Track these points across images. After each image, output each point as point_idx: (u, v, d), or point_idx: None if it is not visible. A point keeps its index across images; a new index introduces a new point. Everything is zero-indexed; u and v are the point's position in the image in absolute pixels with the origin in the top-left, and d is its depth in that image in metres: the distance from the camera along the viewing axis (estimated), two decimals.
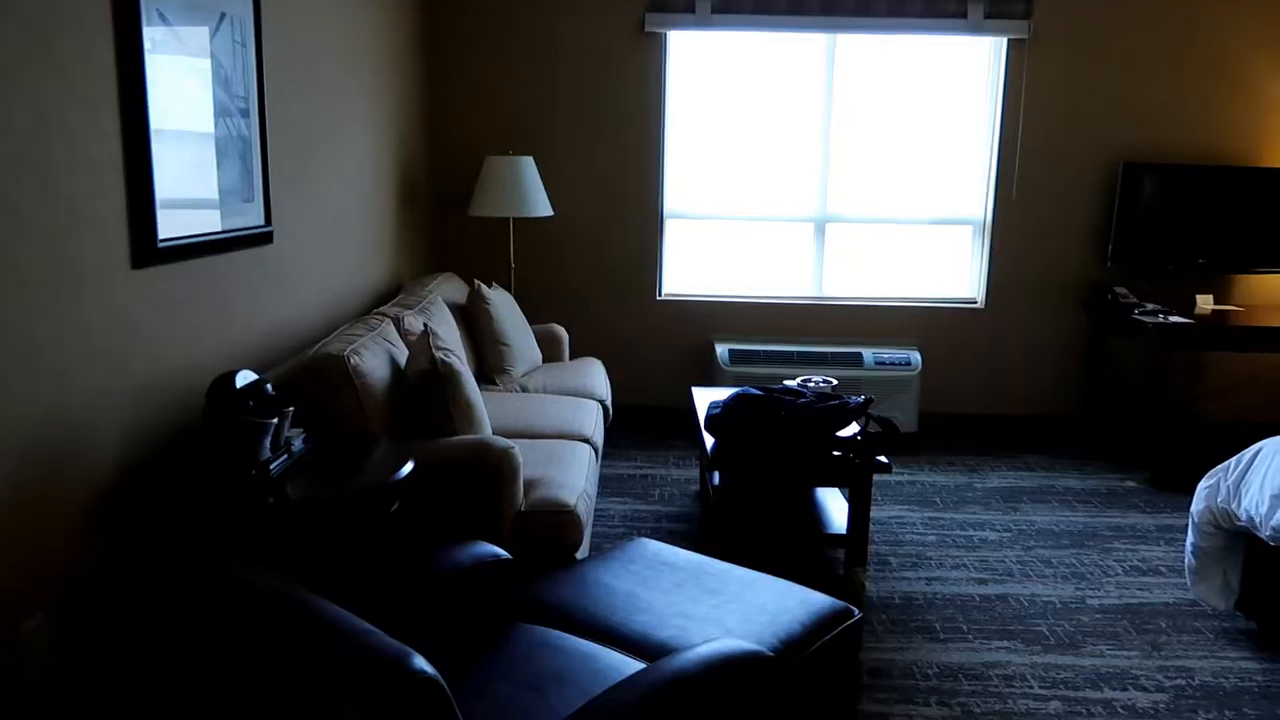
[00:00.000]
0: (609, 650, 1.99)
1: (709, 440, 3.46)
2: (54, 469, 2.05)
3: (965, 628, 3.06)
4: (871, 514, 4.04)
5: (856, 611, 2.27)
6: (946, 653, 2.90)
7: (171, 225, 2.46)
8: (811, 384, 3.72)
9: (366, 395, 2.75)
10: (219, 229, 2.73)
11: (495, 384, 4.20)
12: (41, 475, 2.01)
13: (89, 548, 2.16)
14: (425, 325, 3.18)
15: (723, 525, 3.36)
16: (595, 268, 5.21)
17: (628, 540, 2.60)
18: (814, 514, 3.58)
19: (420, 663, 1.18)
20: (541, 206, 4.75)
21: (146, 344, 2.37)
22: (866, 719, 2.54)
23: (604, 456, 4.72)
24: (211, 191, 2.70)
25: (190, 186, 2.59)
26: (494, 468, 2.73)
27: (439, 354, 2.89)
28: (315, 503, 2.18)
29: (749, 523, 3.48)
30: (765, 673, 1.63)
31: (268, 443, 2.27)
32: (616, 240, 5.20)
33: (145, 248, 2.35)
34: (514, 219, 4.96)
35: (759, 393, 3.44)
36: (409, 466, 2.42)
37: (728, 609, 2.17)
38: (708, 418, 3.42)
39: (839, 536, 3.36)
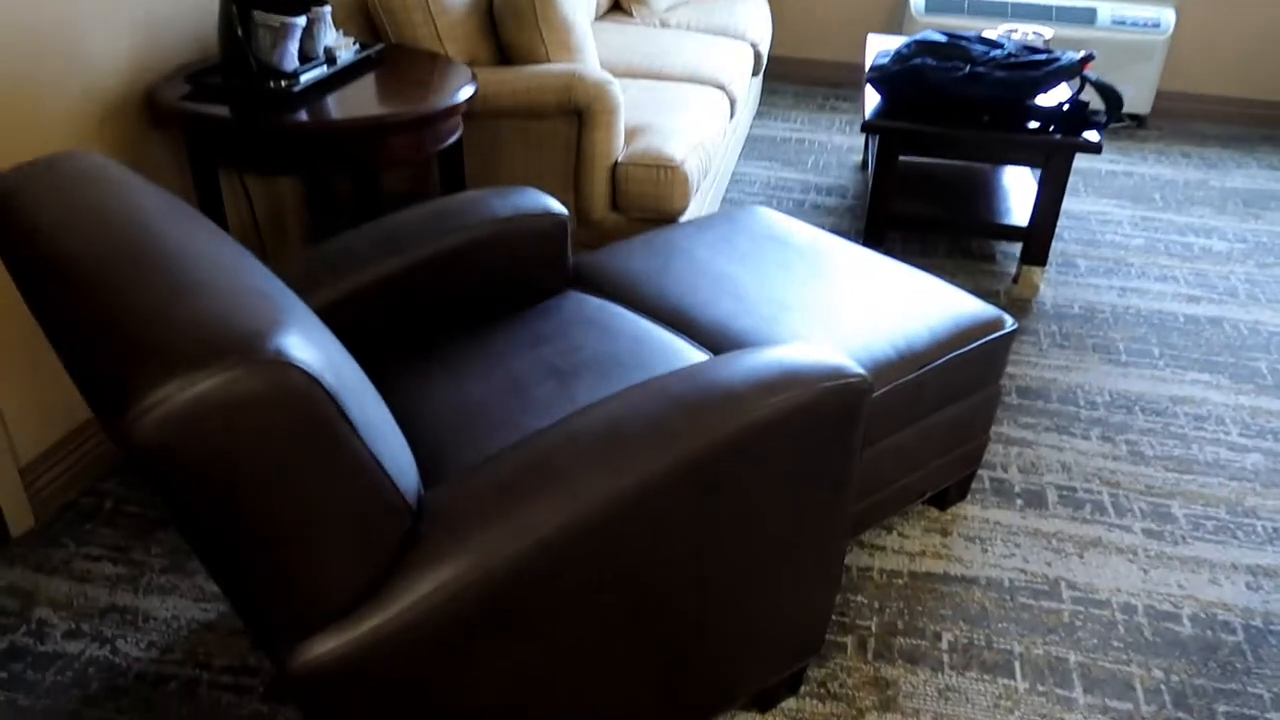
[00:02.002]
0: (673, 335, 1.59)
1: (872, 97, 2.80)
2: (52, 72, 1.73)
3: (1157, 352, 2.48)
4: (1067, 205, 3.34)
5: (1010, 321, 1.75)
6: (1125, 379, 2.36)
7: None
8: (1017, 36, 2.90)
9: (438, 9, 2.25)
10: None
11: (630, 14, 3.58)
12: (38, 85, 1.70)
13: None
14: None
15: (878, 203, 2.79)
16: None
17: (739, 207, 2.12)
18: (992, 199, 2.93)
19: (277, 346, 0.81)
20: None
21: None
22: (1006, 444, 2.10)
23: (756, 115, 4.11)
24: None
25: None
26: (584, 106, 2.24)
27: None
28: (337, 124, 1.79)
29: (909, 203, 2.89)
30: (853, 400, 1.19)
31: (292, 48, 1.86)
32: None
33: None
34: None
35: (944, 40, 2.69)
36: (468, 90, 1.97)
37: (841, 303, 1.70)
38: (874, 68, 2.74)
39: (1018, 229, 2.74)
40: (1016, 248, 3.02)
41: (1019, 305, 2.69)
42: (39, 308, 0.93)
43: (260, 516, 0.82)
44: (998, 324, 1.73)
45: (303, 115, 1.79)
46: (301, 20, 1.83)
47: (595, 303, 1.67)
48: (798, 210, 3.25)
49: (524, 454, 1.04)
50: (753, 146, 3.81)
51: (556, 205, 1.68)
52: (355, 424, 0.87)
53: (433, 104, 1.87)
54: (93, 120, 1.83)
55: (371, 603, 0.92)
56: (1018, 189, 3.02)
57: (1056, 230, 3.15)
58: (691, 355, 1.53)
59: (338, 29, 2.23)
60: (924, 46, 2.67)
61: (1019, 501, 1.95)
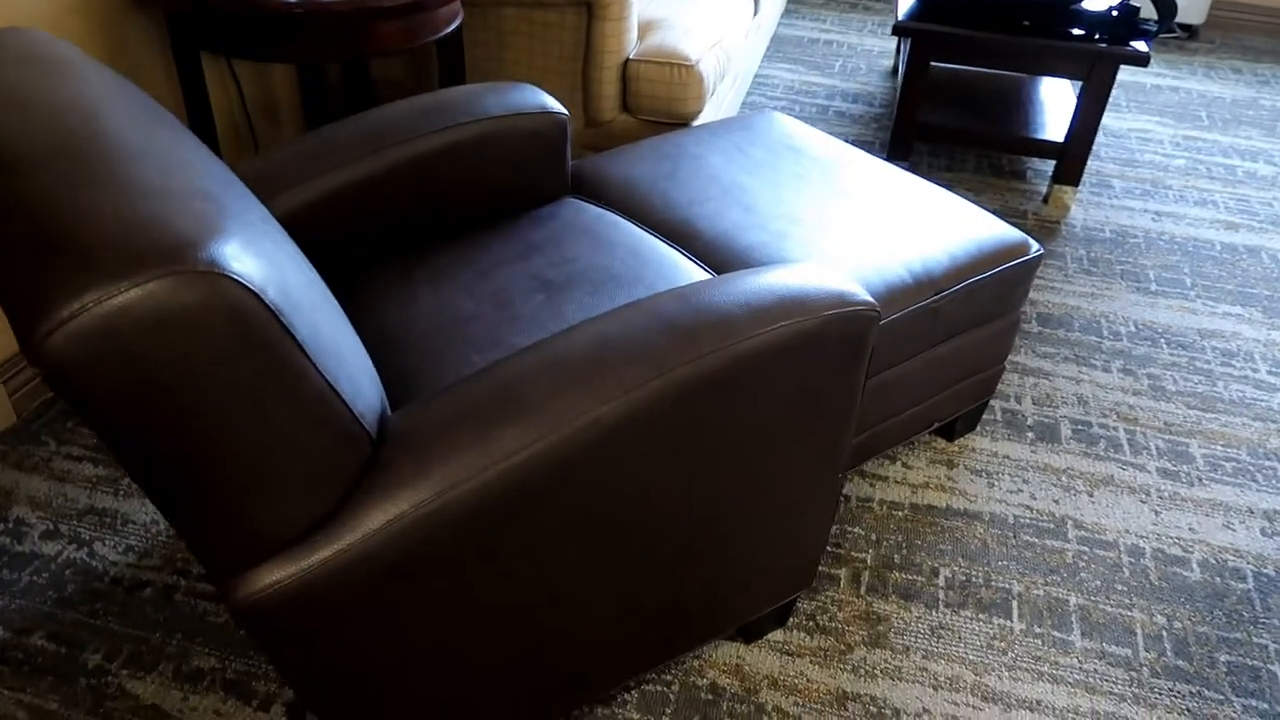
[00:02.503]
0: (671, 248, 1.49)
1: (905, 2, 2.62)
2: None
3: (1189, 282, 2.36)
4: (1106, 122, 3.16)
5: (1035, 247, 1.64)
6: (1153, 309, 2.25)
7: None
8: None
9: None
10: None
11: None
12: None
13: None
14: None
15: (905, 112, 2.64)
16: None
17: (757, 112, 1.98)
18: (1026, 112, 2.77)
19: (212, 255, 0.73)
20: None
21: None
22: (1022, 374, 2.02)
23: (785, 12, 3.90)
24: None
25: None
26: None
27: None
28: (320, 5, 1.66)
29: (938, 113, 2.73)
30: (859, 330, 1.10)
31: None
32: None
33: None
34: None
35: None
36: None
37: (856, 220, 1.59)
38: None
39: (1052, 145, 2.59)
40: (1049, 165, 2.86)
41: (1047, 227, 2.56)
42: None
43: (191, 445, 0.75)
44: (1022, 249, 1.62)
45: None
46: None
47: (594, 211, 1.57)
48: (821, 117, 3.09)
49: (499, 376, 0.97)
50: (778, 47, 3.62)
51: (555, 104, 1.56)
52: (303, 343, 0.79)
53: None
54: None
55: (324, 533, 0.86)
56: (1055, 102, 2.85)
57: (1093, 149, 2.99)
58: (692, 272, 1.44)
59: None
60: None
61: (1030, 435, 1.87)
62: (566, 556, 1.02)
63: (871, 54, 3.62)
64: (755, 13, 2.79)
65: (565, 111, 1.56)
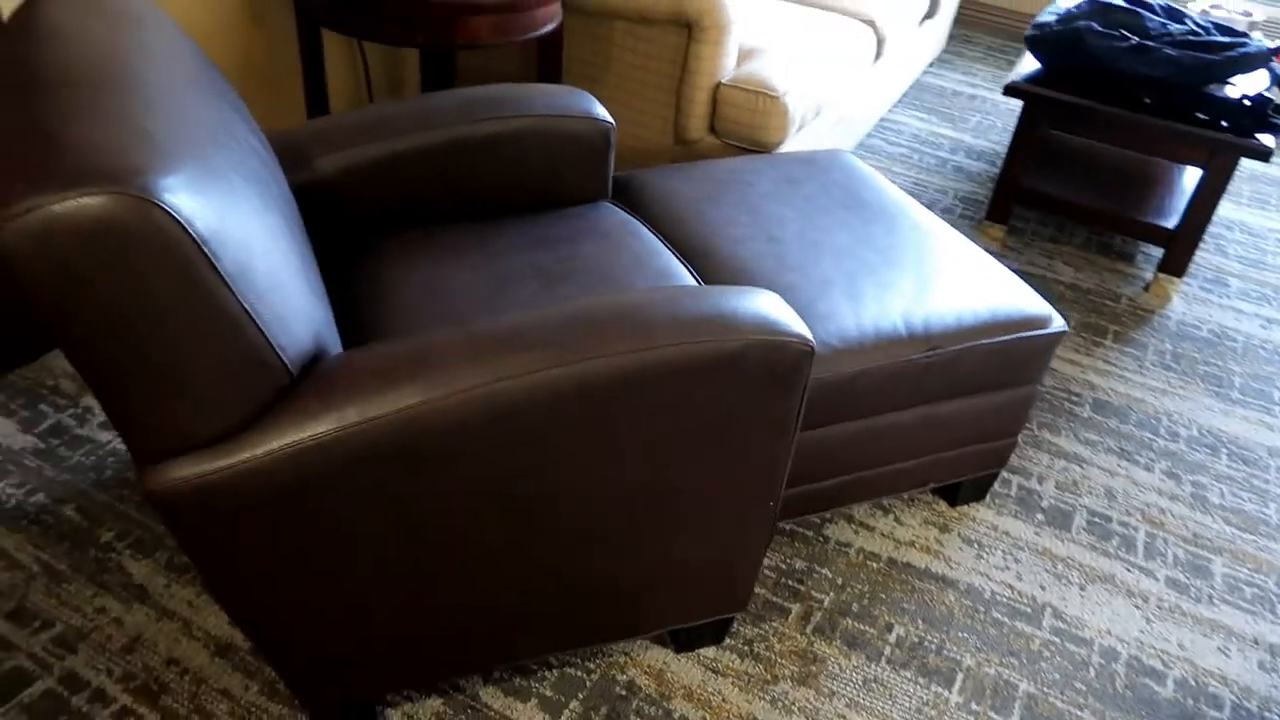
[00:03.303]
0: (681, 264, 1.55)
1: (1029, 61, 2.57)
2: None
3: (1277, 395, 2.20)
4: (1242, 217, 2.98)
5: (1058, 322, 1.60)
6: (1226, 417, 2.12)
7: None
8: (1216, 11, 2.56)
9: None
10: None
11: None
12: None
13: None
14: None
15: (1008, 175, 2.58)
16: None
17: (826, 150, 2.01)
18: (1142, 193, 2.65)
19: (149, 183, 0.85)
20: None
21: None
22: (1054, 456, 1.95)
23: (937, 61, 3.86)
24: None
25: None
26: (694, 18, 2.16)
27: None
28: None
29: (1046, 180, 2.65)
30: (787, 363, 1.13)
31: None
32: None
33: None
34: None
35: (1120, 3, 2.42)
36: None
37: (876, 267, 1.60)
38: (1035, 25, 2.50)
39: (1162, 230, 2.47)
40: (1157, 253, 2.73)
41: (1140, 315, 2.45)
42: None
43: (110, 343, 0.88)
44: (1040, 322, 1.58)
45: None
46: None
47: (621, 218, 1.65)
48: (937, 169, 3.05)
49: (422, 341, 1.06)
50: (917, 94, 3.58)
51: (602, 112, 1.65)
52: (224, 273, 0.90)
53: None
54: None
55: (228, 444, 0.97)
56: (1176, 187, 2.71)
57: (1220, 243, 2.82)
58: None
59: None
60: (1096, 9, 2.41)
61: (1039, 517, 1.81)
62: (461, 516, 1.10)
63: (1012, 113, 3.53)
64: (878, 56, 2.79)
65: (610, 120, 1.65)
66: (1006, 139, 3.32)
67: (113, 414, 0.95)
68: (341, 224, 1.53)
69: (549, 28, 2.03)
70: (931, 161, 3.11)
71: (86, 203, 0.82)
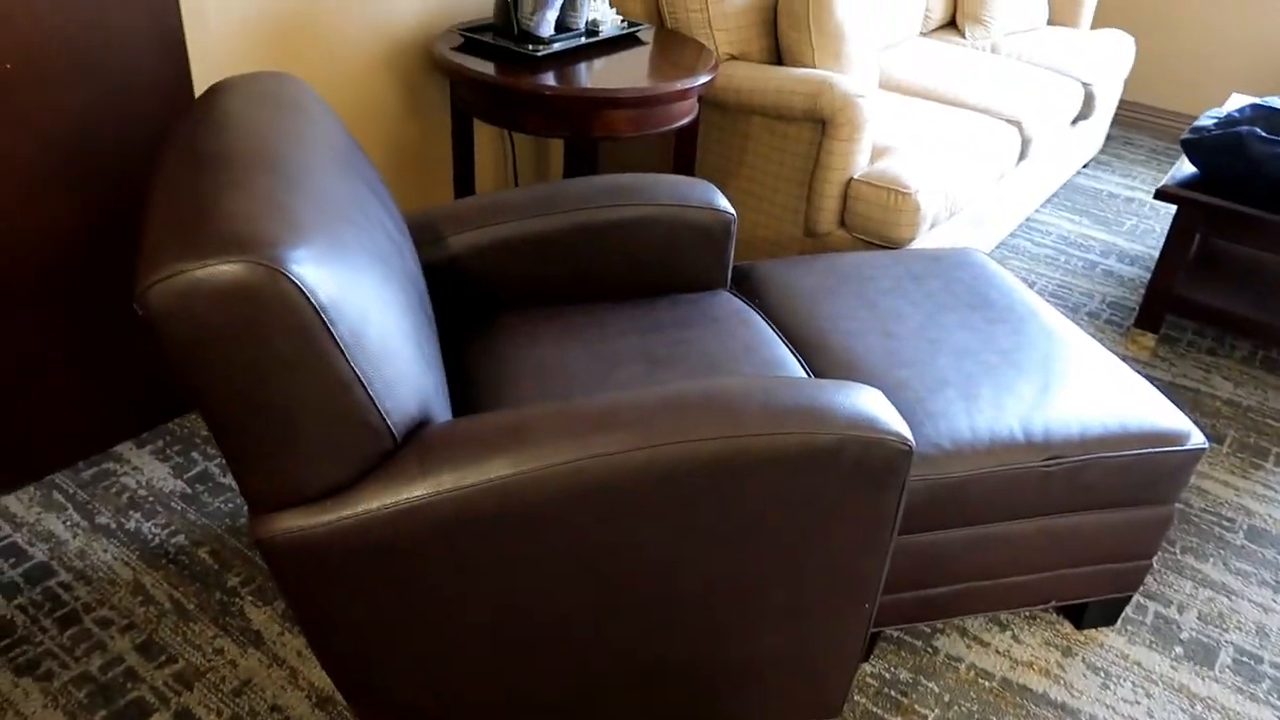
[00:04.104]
0: (792, 355, 1.55)
1: (1184, 168, 2.47)
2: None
3: None
4: None
5: (1198, 439, 1.49)
6: None
7: None
8: None
9: (715, 1, 2.32)
10: None
11: (963, 35, 3.40)
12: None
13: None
14: None
15: (1158, 283, 2.46)
16: None
17: (955, 248, 1.98)
18: None
19: (279, 254, 0.93)
20: None
21: None
22: (1199, 584, 1.80)
23: (1093, 162, 3.76)
24: None
25: None
26: (828, 116, 2.19)
27: None
28: (545, 90, 1.92)
29: (1201, 290, 2.51)
30: (883, 461, 1.10)
31: (550, 17, 2.01)
32: None
33: None
34: None
35: None
36: (694, 81, 2.01)
37: (998, 370, 1.55)
38: (1193, 129, 2.40)
39: None
40: None
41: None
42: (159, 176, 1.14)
43: (233, 398, 0.96)
44: (1177, 438, 1.48)
45: (548, 78, 1.94)
46: None
47: (737, 307, 1.67)
48: (1086, 272, 2.94)
49: (521, 414, 1.10)
50: (1068, 195, 3.48)
51: (724, 203, 1.69)
52: (339, 338, 0.97)
53: (650, 87, 1.94)
54: (381, 54, 2.12)
55: (334, 500, 1.03)
56: None
57: None
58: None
59: (613, 6, 2.37)
60: (1259, 113, 2.30)
61: (1178, 650, 1.66)
62: (544, 586, 1.12)
63: (1169, 217, 3.36)
64: (1022, 157, 2.74)
65: (732, 212, 1.69)
66: (1160, 244, 3.16)
67: (232, 463, 1.03)
68: (469, 298, 1.61)
69: (684, 122, 2.11)
70: (1079, 264, 2.99)
71: (223, 269, 0.91)
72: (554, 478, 1.04)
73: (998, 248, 3.04)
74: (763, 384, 1.14)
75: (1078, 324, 2.66)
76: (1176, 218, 2.37)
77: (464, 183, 2.26)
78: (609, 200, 1.63)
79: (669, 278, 1.71)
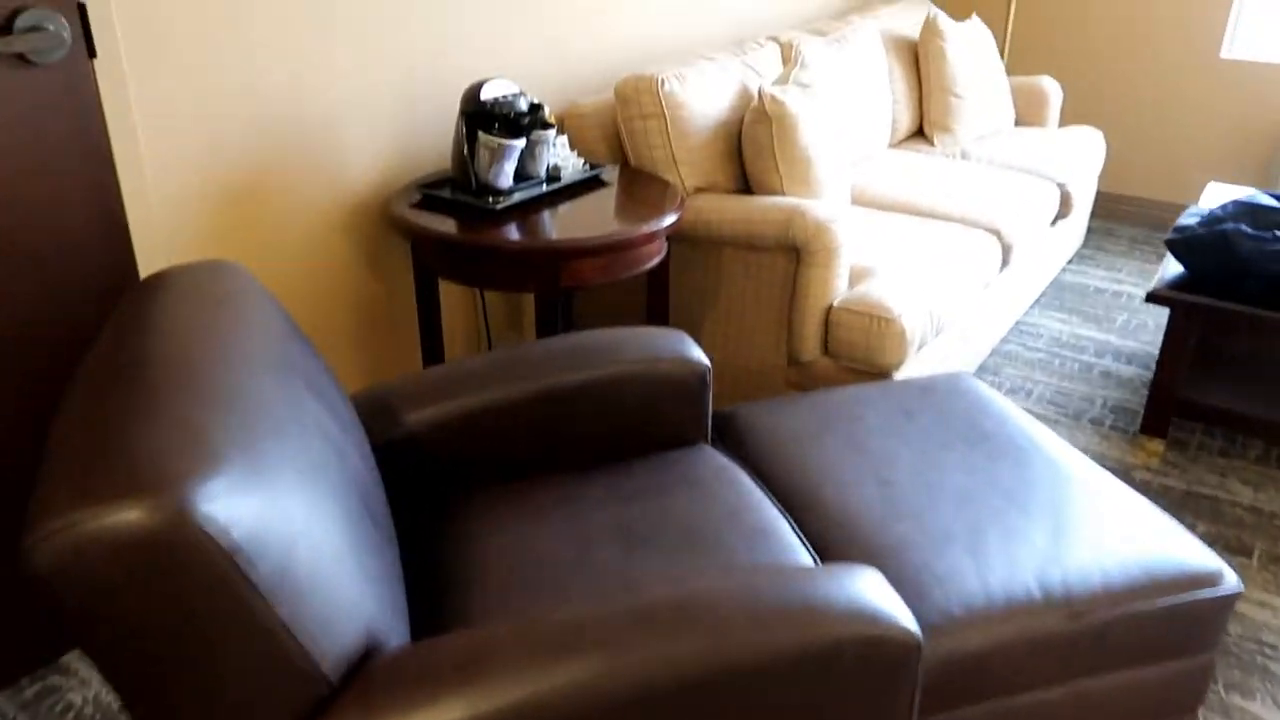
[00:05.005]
0: (782, 517, 1.43)
1: (1171, 266, 2.41)
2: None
3: None
4: None
5: (1232, 580, 1.37)
6: None
7: None
8: None
9: (677, 132, 2.28)
10: None
11: (932, 144, 3.39)
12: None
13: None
14: (798, 53, 2.54)
15: (1161, 387, 2.36)
16: (1130, 2, 3.85)
17: (945, 375, 1.89)
18: None
19: (188, 495, 0.82)
20: None
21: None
22: (1219, 714, 1.64)
23: (1076, 258, 3.71)
24: None
25: None
26: (801, 243, 2.13)
27: (770, 91, 2.27)
28: (505, 245, 1.85)
29: (1212, 389, 2.41)
30: (889, 659, 0.98)
31: (508, 168, 1.97)
32: None
33: None
34: None
35: (1271, 204, 2.25)
36: (660, 222, 1.96)
37: (1006, 516, 1.44)
38: (1177, 229, 2.35)
39: None
40: None
41: None
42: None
43: (142, 651, 0.84)
44: (1209, 580, 1.36)
45: (510, 232, 1.88)
46: (519, 143, 1.94)
47: (718, 464, 1.56)
48: (1083, 375, 2.85)
49: (474, 640, 0.98)
50: (1055, 294, 3.42)
51: (697, 354, 1.60)
52: (259, 584, 0.86)
53: (616, 233, 1.88)
54: (338, 216, 2.06)
55: None
56: None
57: None
58: (786, 548, 1.37)
59: (574, 148, 2.34)
60: (1243, 210, 2.25)
61: None
62: None
63: (1164, 310, 3.30)
64: (1004, 265, 2.68)
65: (706, 362, 1.59)
66: (1159, 339, 3.08)
67: None
68: (431, 479, 1.50)
69: (654, 263, 2.04)
70: (1075, 367, 2.91)
71: (121, 519, 0.80)
72: (515, 717, 0.91)
73: (990, 355, 2.96)
74: (745, 580, 1.02)
75: (1080, 432, 2.55)
76: (1172, 320, 2.29)
77: (432, 345, 2.18)
78: (575, 364, 1.54)
79: (645, 437, 1.61)
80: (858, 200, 2.86)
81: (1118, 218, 4.19)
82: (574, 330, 1.71)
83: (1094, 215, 4.22)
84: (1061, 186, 3.11)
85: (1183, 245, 2.29)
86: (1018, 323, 3.20)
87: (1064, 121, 4.09)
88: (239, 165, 1.85)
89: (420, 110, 2.16)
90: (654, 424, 1.60)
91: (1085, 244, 3.91)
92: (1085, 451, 2.47)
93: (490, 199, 1.96)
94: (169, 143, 1.73)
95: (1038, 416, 2.63)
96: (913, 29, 3.50)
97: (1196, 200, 3.98)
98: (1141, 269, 3.67)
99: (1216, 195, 2.99)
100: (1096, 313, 3.28)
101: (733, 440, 1.69)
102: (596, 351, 1.57)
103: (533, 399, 1.51)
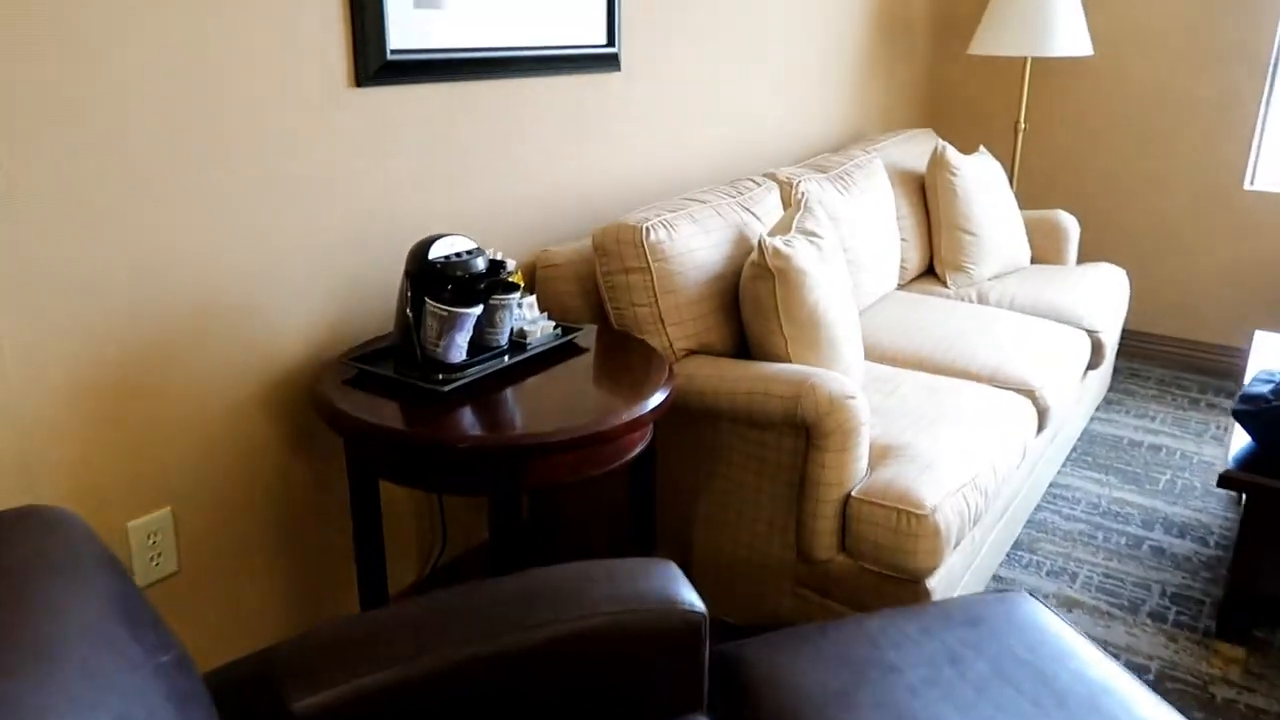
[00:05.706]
0: None
1: (1239, 438, 2.07)
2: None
3: None
4: None
5: None
6: None
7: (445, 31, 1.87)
8: None
9: (664, 288, 1.97)
10: (534, 43, 2.09)
11: (945, 285, 3.11)
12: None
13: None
14: (801, 195, 2.26)
15: (1239, 584, 2.00)
16: (1146, 134, 3.65)
17: (998, 598, 1.52)
18: None
19: None
20: (1075, 42, 3.33)
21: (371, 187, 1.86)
22: None
23: (1103, 403, 3.39)
24: None
25: None
26: (813, 422, 1.79)
27: (773, 242, 1.97)
28: (447, 439, 1.51)
29: None
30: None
31: (460, 340, 1.64)
32: (1186, 94, 3.55)
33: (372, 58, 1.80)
34: (1031, 60, 3.62)
35: None
36: (656, 399, 1.62)
37: None
38: (1244, 398, 2.02)
39: None
40: None
41: None
42: None
43: None
44: None
45: (461, 420, 1.53)
46: (474, 311, 1.62)
47: None
48: (1132, 553, 2.48)
49: None
50: (1087, 447, 3.08)
51: (690, 596, 1.23)
52: None
53: (591, 424, 1.53)
54: (255, 391, 1.71)
55: None
56: None
57: None
58: None
59: (544, 310, 2.03)
60: None
61: None
62: None
63: (1212, 467, 2.96)
64: (1040, 429, 2.35)
65: (700, 607, 1.23)
66: (1211, 505, 2.73)
67: None
68: None
69: (636, 452, 1.69)
70: (1121, 541, 2.54)
71: None
72: None
73: (1025, 528, 2.59)
74: None
75: (1142, 631, 2.16)
76: (1249, 507, 1.94)
77: (369, 557, 1.78)
78: (532, 616, 1.17)
79: (624, 707, 1.23)
80: (869, 355, 2.55)
81: (1144, 357, 3.89)
82: (534, 533, 1.35)
83: (1119, 355, 3.93)
84: (1092, 334, 2.81)
85: (1254, 417, 1.96)
86: (1050, 484, 2.84)
87: (1082, 258, 3.83)
88: (132, 338, 1.51)
89: (367, 255, 1.85)
90: (634, 690, 1.22)
91: (1112, 387, 3.60)
92: (1152, 659, 2.08)
93: (439, 376, 1.63)
94: (35, 312, 1.40)
95: (1089, 610, 2.24)
96: (916, 160, 3.27)
97: (1227, 339, 3.69)
98: (1176, 416, 3.34)
99: (1269, 347, 2.68)
100: (1135, 471, 2.93)
101: (735, 700, 1.31)
102: (560, 598, 1.20)
103: (469, 667, 1.13)
